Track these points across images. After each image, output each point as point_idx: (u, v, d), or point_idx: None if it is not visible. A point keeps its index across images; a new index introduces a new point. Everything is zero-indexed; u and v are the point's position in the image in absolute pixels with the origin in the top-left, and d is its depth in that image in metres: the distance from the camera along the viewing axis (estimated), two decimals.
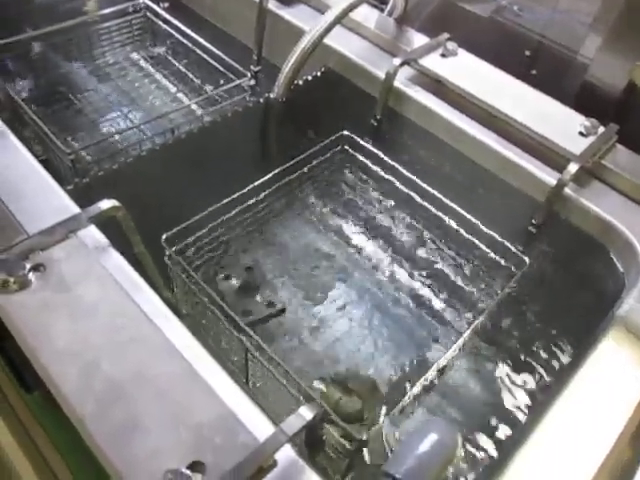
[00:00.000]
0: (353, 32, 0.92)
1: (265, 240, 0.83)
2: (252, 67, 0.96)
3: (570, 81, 0.87)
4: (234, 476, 0.39)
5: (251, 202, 0.75)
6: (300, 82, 0.86)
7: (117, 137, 0.90)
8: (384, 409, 0.65)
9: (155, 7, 1.06)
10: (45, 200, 0.56)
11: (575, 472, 0.46)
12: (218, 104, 0.91)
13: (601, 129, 0.73)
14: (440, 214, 0.77)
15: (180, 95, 1.05)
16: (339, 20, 0.76)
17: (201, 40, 0.98)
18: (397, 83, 0.82)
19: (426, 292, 0.80)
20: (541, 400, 0.68)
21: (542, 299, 0.75)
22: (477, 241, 0.74)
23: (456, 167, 0.80)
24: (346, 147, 0.84)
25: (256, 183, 0.74)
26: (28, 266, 0.50)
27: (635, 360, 0.54)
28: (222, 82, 0.96)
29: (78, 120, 0.97)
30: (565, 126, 0.74)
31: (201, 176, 0.74)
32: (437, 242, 0.81)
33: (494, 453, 0.64)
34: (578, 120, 0.74)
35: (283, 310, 0.76)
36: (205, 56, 0.99)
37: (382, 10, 0.95)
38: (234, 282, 0.78)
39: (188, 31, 1.00)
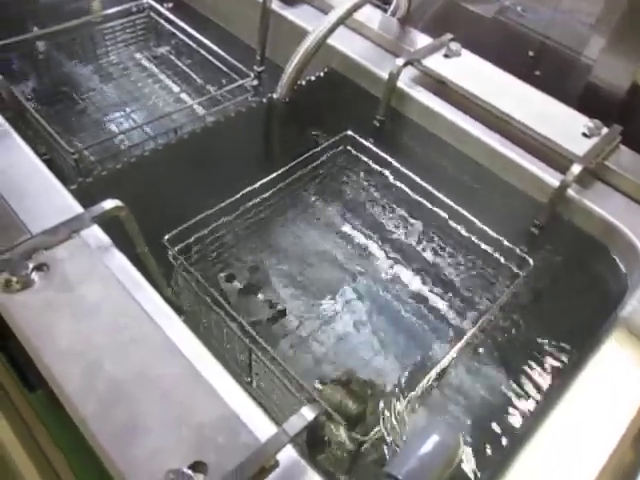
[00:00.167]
0: (356, 32, 0.92)
1: (268, 240, 0.83)
2: (255, 67, 0.96)
3: (573, 82, 0.87)
4: (236, 476, 0.39)
5: (254, 202, 0.75)
6: (303, 82, 0.86)
7: (120, 137, 0.90)
8: (386, 410, 0.65)
9: (159, 7, 1.06)
10: (48, 200, 0.57)
11: (577, 474, 0.46)
12: (221, 104, 0.91)
13: (604, 130, 0.73)
14: (443, 215, 0.76)
15: (183, 95, 1.05)
16: (343, 21, 0.76)
17: (204, 40, 0.98)
18: (400, 84, 0.82)
19: (429, 293, 0.80)
20: (543, 401, 0.68)
21: (545, 300, 0.75)
22: (480, 242, 0.74)
23: (459, 168, 0.80)
24: (349, 147, 0.84)
25: (259, 183, 0.74)
26: (31, 266, 0.50)
27: (637, 361, 0.54)
28: (225, 82, 0.96)
29: (81, 120, 0.97)
30: (568, 127, 0.74)
31: (204, 176, 0.74)
32: (440, 242, 0.81)
33: (496, 454, 0.64)
34: (581, 121, 0.74)
35: (285, 310, 0.76)
36: (208, 56, 0.99)
37: (385, 10, 0.95)
38: (237, 282, 0.78)
39: (192, 31, 1.00)
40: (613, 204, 0.69)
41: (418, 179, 0.77)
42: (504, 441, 0.65)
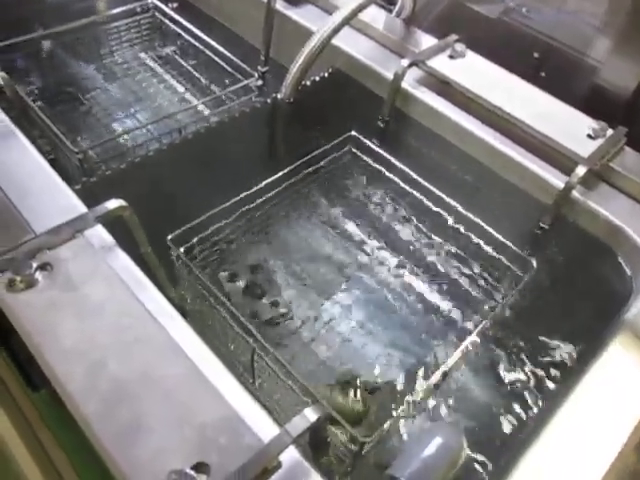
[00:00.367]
0: (361, 33, 0.92)
1: (271, 241, 0.83)
2: (260, 67, 0.96)
3: (578, 83, 0.86)
4: (238, 477, 0.39)
5: (258, 202, 0.75)
6: (308, 83, 0.86)
7: (125, 137, 0.90)
8: (389, 411, 0.65)
9: (164, 7, 1.06)
10: (52, 199, 0.57)
11: (582, 476, 0.46)
12: (225, 104, 0.91)
13: (610, 132, 0.73)
14: (447, 216, 0.76)
15: (188, 95, 1.05)
16: (347, 21, 0.76)
17: (209, 40, 0.98)
18: (405, 84, 0.81)
19: (432, 294, 0.79)
20: (547, 404, 0.68)
21: (549, 302, 0.75)
22: (484, 243, 0.73)
23: (463, 169, 0.79)
24: (353, 148, 0.84)
25: (263, 184, 0.74)
26: (35, 265, 0.50)
27: None
28: (230, 82, 0.96)
29: (86, 119, 0.98)
30: (573, 128, 0.74)
31: (208, 176, 0.74)
32: (443, 244, 0.81)
33: (500, 457, 0.64)
34: (586, 122, 0.74)
35: (289, 311, 0.76)
36: (213, 56, 0.99)
37: (390, 11, 0.95)
38: (240, 282, 0.78)
39: (196, 31, 1.00)
40: (618, 206, 0.69)
41: (422, 180, 0.77)
42: (507, 444, 0.65)
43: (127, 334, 0.47)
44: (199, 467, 0.40)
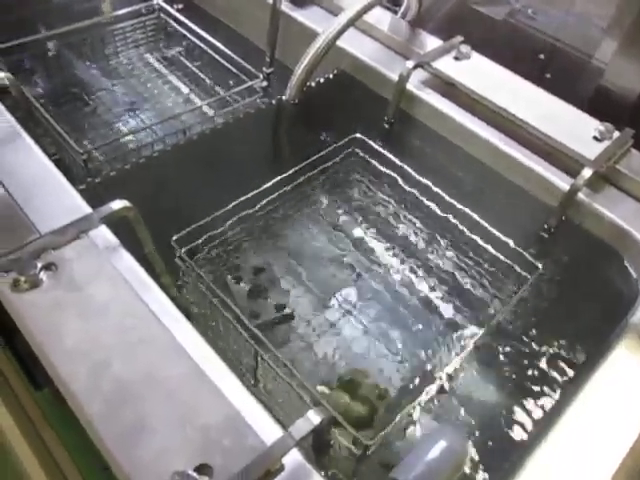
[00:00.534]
0: (366, 34, 0.92)
1: (276, 242, 0.83)
2: (264, 69, 0.96)
3: (584, 85, 0.86)
4: (241, 479, 0.39)
5: (262, 204, 0.75)
6: (312, 84, 0.86)
7: (129, 137, 0.90)
8: (392, 414, 0.65)
9: (169, 8, 1.06)
10: (57, 199, 0.57)
11: (591, 475, 0.46)
12: (230, 106, 0.91)
13: (616, 134, 0.73)
14: (451, 218, 0.76)
15: (192, 96, 1.05)
16: (352, 22, 0.76)
17: (214, 41, 0.99)
18: (410, 86, 0.81)
19: (437, 296, 0.79)
20: (553, 407, 0.67)
21: (554, 305, 0.74)
22: (489, 245, 0.73)
23: (469, 171, 0.79)
24: (358, 150, 0.84)
25: (267, 185, 0.74)
26: (39, 265, 0.50)
27: None
28: (234, 83, 0.96)
29: (91, 120, 0.98)
30: (579, 130, 0.73)
31: (212, 177, 0.74)
32: (448, 246, 0.81)
33: (505, 460, 0.63)
34: (592, 124, 0.74)
35: (293, 312, 0.76)
36: (218, 57, 0.99)
37: (395, 12, 0.95)
38: (244, 284, 0.78)
39: (201, 32, 1.01)
40: (624, 208, 0.69)
41: (427, 182, 0.77)
42: (512, 447, 0.65)
43: (131, 335, 0.47)
44: (202, 469, 0.40)
